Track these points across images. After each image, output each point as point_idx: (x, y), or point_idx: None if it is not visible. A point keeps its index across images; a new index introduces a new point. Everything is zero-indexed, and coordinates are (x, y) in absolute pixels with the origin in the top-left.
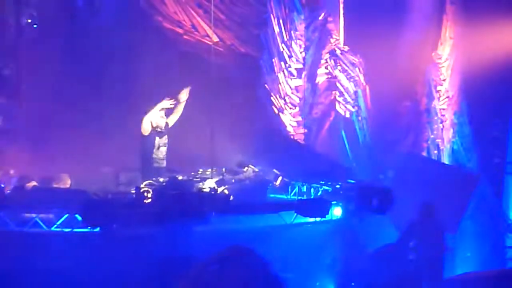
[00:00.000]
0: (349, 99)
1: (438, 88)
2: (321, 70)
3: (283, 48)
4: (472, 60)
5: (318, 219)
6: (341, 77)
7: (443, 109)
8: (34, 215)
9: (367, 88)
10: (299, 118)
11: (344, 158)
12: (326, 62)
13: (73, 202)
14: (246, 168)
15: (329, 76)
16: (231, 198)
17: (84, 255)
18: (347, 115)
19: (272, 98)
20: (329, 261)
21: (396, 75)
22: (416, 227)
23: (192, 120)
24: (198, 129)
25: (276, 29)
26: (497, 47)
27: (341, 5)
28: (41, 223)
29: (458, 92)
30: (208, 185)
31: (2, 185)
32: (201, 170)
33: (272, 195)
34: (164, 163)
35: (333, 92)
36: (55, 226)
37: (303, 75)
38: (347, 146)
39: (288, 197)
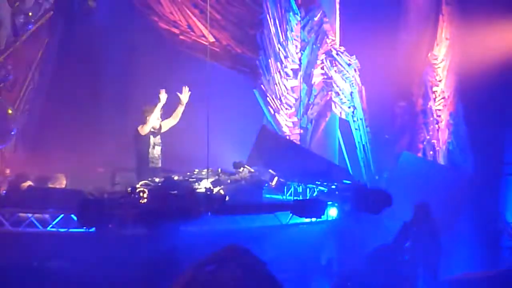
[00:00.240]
0: (345, 99)
1: (434, 89)
2: (317, 71)
3: (279, 48)
4: (468, 61)
5: (313, 219)
6: (337, 77)
7: (439, 110)
8: (29, 215)
9: (363, 88)
10: (295, 119)
11: (340, 159)
12: (322, 62)
13: (68, 202)
14: (242, 168)
15: (325, 76)
16: (227, 198)
17: (79, 255)
18: (343, 116)
19: (268, 98)
20: (324, 261)
21: (392, 75)
22: (411, 228)
23: (188, 120)
24: (194, 129)
25: (272, 29)
26: (493, 48)
27: (337, 6)
28: (37, 223)
29: (454, 93)
30: (204, 185)
31: None
32: (196, 170)
33: (267, 196)
34: (160, 163)
35: (329, 92)
36: (51, 226)
37: (299, 76)
38: (343, 146)
39: (284, 197)
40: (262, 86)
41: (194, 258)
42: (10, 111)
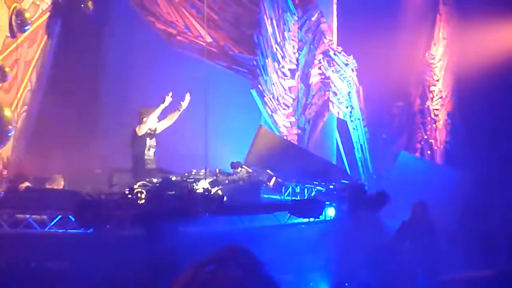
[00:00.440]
0: (342, 99)
1: (432, 88)
2: (314, 71)
3: (276, 48)
4: (465, 61)
5: (312, 219)
6: (335, 77)
7: (437, 109)
8: (27, 216)
9: (360, 88)
10: (293, 119)
11: (338, 159)
12: (320, 62)
13: (66, 203)
14: (239, 168)
15: (323, 76)
16: (225, 198)
17: (77, 256)
18: (341, 116)
19: (265, 98)
20: (323, 261)
21: (389, 75)
22: (410, 228)
23: (186, 121)
24: (192, 129)
25: (269, 29)
26: (491, 47)
27: (335, 6)
28: (34, 224)
29: (452, 92)
30: (202, 185)
31: None
32: (194, 170)
33: (265, 196)
34: (154, 164)
35: (327, 92)
36: (49, 227)
37: (296, 76)
38: (340, 146)
39: (282, 197)
40: (259, 86)
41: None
42: (7, 112)
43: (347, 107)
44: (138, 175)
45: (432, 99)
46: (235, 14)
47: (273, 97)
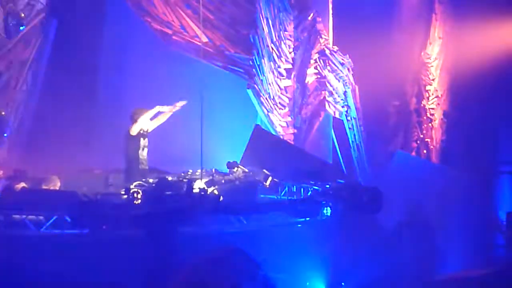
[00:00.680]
0: (338, 99)
1: (427, 87)
2: (310, 70)
3: (272, 48)
4: (461, 60)
5: (308, 219)
6: (331, 77)
7: (432, 108)
8: (23, 216)
9: (356, 88)
10: (289, 119)
11: (334, 158)
12: (316, 62)
13: (62, 203)
14: (236, 168)
15: (319, 76)
16: (221, 198)
17: (73, 257)
18: (337, 115)
19: (261, 98)
20: (319, 260)
21: (385, 75)
22: (405, 226)
23: (182, 121)
24: (188, 129)
25: (265, 29)
26: (486, 47)
27: (330, 5)
28: (30, 225)
29: (447, 91)
30: (198, 185)
31: None
32: (190, 170)
33: (262, 196)
34: (147, 165)
35: (323, 92)
36: (45, 227)
37: (292, 75)
38: (336, 146)
39: (278, 197)
40: (255, 86)
41: (189, 258)
42: (2, 113)
43: (343, 106)
44: (132, 176)
45: (428, 98)
46: (231, 14)
47: (269, 97)
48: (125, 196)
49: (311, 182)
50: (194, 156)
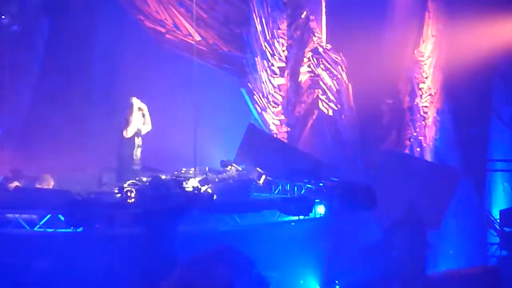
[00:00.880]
0: (332, 97)
1: (421, 85)
2: (303, 69)
3: (265, 46)
4: (454, 58)
5: (301, 217)
6: (324, 75)
7: (426, 106)
8: (16, 215)
9: (349, 86)
10: (282, 117)
11: (327, 156)
12: (309, 60)
13: (56, 202)
14: (229, 167)
15: (312, 74)
16: (215, 197)
17: (67, 255)
18: (330, 113)
19: (255, 96)
20: (312, 259)
21: (378, 73)
22: (398, 225)
23: (175, 119)
24: (181, 128)
25: (259, 27)
26: (479, 44)
27: (323, 4)
28: (24, 224)
29: (441, 89)
30: (192, 184)
31: None
32: (184, 169)
33: (255, 194)
34: (140, 164)
35: (316, 90)
36: (38, 226)
37: (285, 74)
38: (330, 144)
39: (272, 195)
40: (249, 84)
41: (182, 257)
42: None
43: (336, 104)
44: (125, 175)
45: (421, 96)
46: (224, 12)
47: (263, 95)
48: (119, 195)
49: (304, 180)
50: (188, 155)
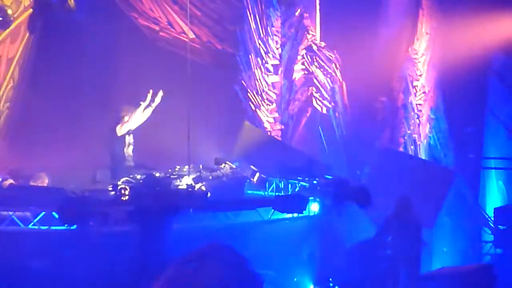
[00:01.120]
0: (325, 95)
1: (415, 83)
2: (297, 66)
3: (259, 44)
4: (448, 56)
5: (295, 215)
6: (318, 73)
7: (420, 104)
8: (10, 213)
9: (343, 84)
10: (276, 114)
11: (321, 154)
12: (303, 58)
13: (50, 200)
14: (223, 164)
15: (306, 72)
16: (209, 194)
17: (61, 253)
18: (324, 111)
19: (249, 94)
20: (306, 256)
21: (372, 71)
22: (392, 223)
23: (169, 117)
24: (175, 126)
25: (252, 25)
26: (473, 42)
27: (317, 1)
28: (18, 221)
29: (435, 87)
30: (185, 182)
31: None
32: (178, 167)
33: (249, 192)
34: (132, 162)
35: (310, 88)
36: (32, 224)
37: (279, 71)
38: (324, 142)
39: (266, 193)
40: (242, 82)
41: (175, 254)
42: None
43: (330, 102)
44: (119, 173)
45: (415, 94)
46: (218, 10)
47: (257, 93)
48: (113, 193)
49: (298, 178)
50: (182, 153)
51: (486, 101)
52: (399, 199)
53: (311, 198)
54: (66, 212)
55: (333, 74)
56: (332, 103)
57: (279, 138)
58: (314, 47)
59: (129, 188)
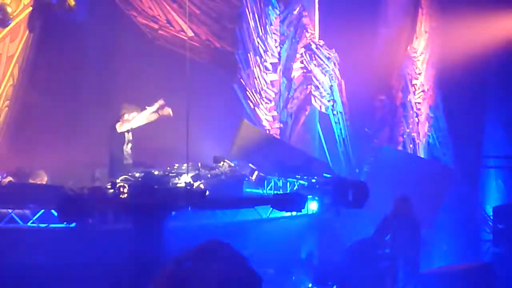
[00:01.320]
0: (324, 93)
1: (414, 82)
2: (296, 65)
3: (258, 42)
4: (447, 54)
5: (294, 213)
6: (317, 71)
7: (419, 103)
8: (9, 210)
9: (342, 82)
10: (275, 113)
11: (320, 152)
12: (302, 56)
13: (49, 197)
14: (222, 163)
15: (305, 70)
16: (207, 193)
17: (60, 251)
18: (323, 110)
19: (247, 92)
20: (305, 255)
21: (371, 69)
22: (392, 221)
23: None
24: (173, 124)
25: (251, 23)
26: (472, 41)
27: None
28: (17, 219)
29: (434, 86)
30: (184, 180)
31: None
32: (176, 165)
33: (248, 190)
34: (131, 160)
35: (309, 86)
36: (31, 221)
37: (278, 70)
38: (322, 140)
39: (264, 191)
40: (241, 80)
41: (174, 253)
42: None
43: (329, 100)
44: (117, 170)
45: (414, 92)
46: (216, 8)
47: (255, 91)
48: (112, 190)
49: (297, 176)
50: (180, 151)
51: (485, 100)
52: (398, 198)
53: (309, 196)
54: (65, 210)
55: (332, 72)
56: (331, 102)
57: (278, 137)
58: (313, 46)
59: (128, 186)
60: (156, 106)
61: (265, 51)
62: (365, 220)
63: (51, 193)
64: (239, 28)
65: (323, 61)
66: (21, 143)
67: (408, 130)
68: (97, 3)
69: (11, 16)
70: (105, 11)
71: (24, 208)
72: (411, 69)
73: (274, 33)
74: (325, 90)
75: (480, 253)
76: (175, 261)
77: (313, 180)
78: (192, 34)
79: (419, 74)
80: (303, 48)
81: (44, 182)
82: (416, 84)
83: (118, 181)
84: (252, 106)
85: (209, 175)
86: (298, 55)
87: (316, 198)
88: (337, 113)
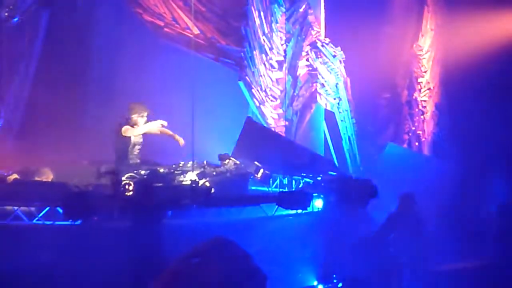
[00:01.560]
0: (330, 91)
1: (419, 80)
2: (302, 62)
3: (264, 40)
4: (453, 52)
5: (299, 211)
6: (322, 69)
7: (424, 101)
8: (15, 208)
9: (348, 80)
10: (280, 111)
11: (325, 150)
12: (307, 54)
13: (54, 195)
14: (227, 160)
15: (310, 68)
16: (212, 190)
17: (65, 248)
18: (328, 107)
19: (253, 90)
20: (310, 253)
21: (377, 67)
22: (396, 219)
23: (173, 113)
24: (179, 121)
25: (257, 21)
26: (478, 38)
27: None
28: (23, 216)
29: (439, 83)
30: (189, 177)
31: None
32: (182, 162)
33: (253, 188)
34: (138, 159)
35: (314, 84)
36: (37, 219)
37: (284, 67)
38: (328, 138)
39: (270, 189)
40: (247, 78)
41: (179, 250)
42: None
43: (334, 98)
44: (123, 168)
45: (419, 90)
46: (222, 6)
47: (261, 89)
48: (117, 188)
49: (302, 174)
50: (186, 148)
51: (490, 97)
52: (403, 195)
53: (315, 194)
54: (71, 207)
55: (338, 70)
56: (337, 99)
57: (283, 134)
58: (319, 43)
59: (133, 184)
60: (167, 125)
61: (271, 49)
62: (370, 218)
63: (57, 190)
64: (244, 26)
65: (329, 59)
66: (26, 141)
67: (413, 128)
68: (103, 0)
69: (17, 14)
70: (111, 9)
71: (30, 206)
72: (416, 67)
73: (279, 31)
74: (330, 88)
75: (485, 252)
76: (180, 259)
77: (319, 178)
78: (198, 32)
79: (425, 72)
80: (308, 46)
81: (49, 180)
82: (421, 82)
83: (123, 178)
84: (257, 104)
85: (214, 173)
86: (303, 53)
87: (322, 196)
88: (343, 111)
